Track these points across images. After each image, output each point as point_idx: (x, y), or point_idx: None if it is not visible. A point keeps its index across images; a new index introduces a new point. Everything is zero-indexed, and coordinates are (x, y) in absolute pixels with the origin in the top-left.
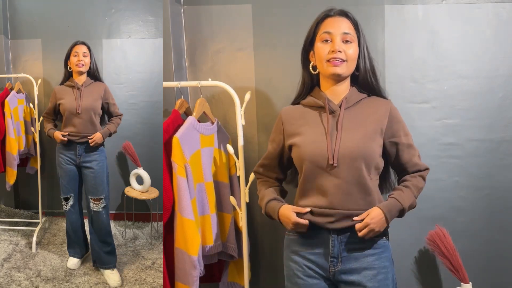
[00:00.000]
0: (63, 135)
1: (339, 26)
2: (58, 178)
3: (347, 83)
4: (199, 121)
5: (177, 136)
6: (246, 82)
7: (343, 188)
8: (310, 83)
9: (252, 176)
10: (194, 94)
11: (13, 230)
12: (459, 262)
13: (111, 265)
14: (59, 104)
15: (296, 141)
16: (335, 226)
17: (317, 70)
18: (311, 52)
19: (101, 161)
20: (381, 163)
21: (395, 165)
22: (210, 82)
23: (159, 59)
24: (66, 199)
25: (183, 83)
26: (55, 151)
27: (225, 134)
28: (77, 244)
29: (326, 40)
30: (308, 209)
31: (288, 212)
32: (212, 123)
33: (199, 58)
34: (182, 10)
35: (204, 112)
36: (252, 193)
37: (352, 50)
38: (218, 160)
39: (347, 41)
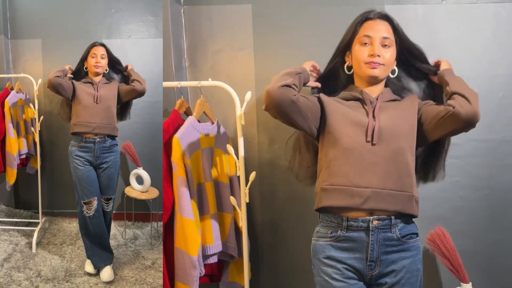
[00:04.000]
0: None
1: (379, 30)
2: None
3: (381, 85)
4: (199, 121)
5: (177, 136)
6: (246, 82)
7: (381, 166)
8: (344, 83)
9: (252, 176)
10: (194, 94)
11: (13, 230)
12: (459, 262)
13: (110, 261)
14: (74, 93)
15: (335, 117)
16: (369, 206)
17: (351, 71)
18: (347, 53)
19: (116, 161)
20: (414, 148)
21: (434, 118)
22: (210, 82)
23: (159, 59)
24: (87, 203)
25: (183, 83)
26: (68, 154)
27: (225, 134)
28: (105, 249)
29: (365, 43)
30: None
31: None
32: (212, 123)
33: (199, 58)
34: (182, 10)
35: (204, 112)
36: (252, 193)
37: (389, 54)
38: (218, 160)
39: (385, 45)
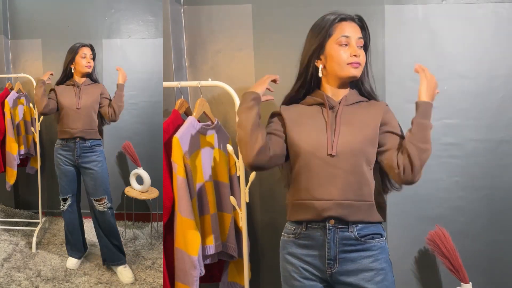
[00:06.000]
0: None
1: (355, 31)
2: (57, 178)
3: (347, 87)
4: (199, 121)
5: (177, 136)
6: (246, 82)
7: (341, 178)
8: (309, 85)
9: (252, 176)
10: (194, 94)
11: (13, 230)
12: (459, 262)
13: (122, 260)
14: (57, 100)
15: (295, 131)
16: (329, 213)
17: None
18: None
19: (100, 162)
20: (375, 156)
21: (383, 154)
22: (210, 82)
23: (159, 59)
24: (65, 200)
25: (183, 83)
26: (54, 152)
27: (225, 134)
28: (75, 244)
29: (344, 44)
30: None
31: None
32: (212, 123)
33: (199, 58)
34: (182, 10)
35: (204, 112)
36: (252, 193)
37: (363, 55)
38: (218, 160)
39: (360, 46)
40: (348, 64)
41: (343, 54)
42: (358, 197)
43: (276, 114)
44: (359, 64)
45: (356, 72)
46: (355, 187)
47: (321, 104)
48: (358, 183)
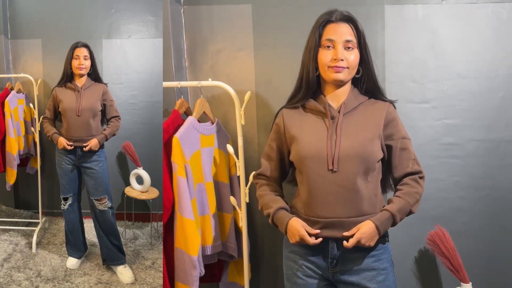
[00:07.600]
0: (68, 144)
1: (342, 33)
2: (58, 178)
3: (348, 85)
4: (199, 121)
5: (177, 136)
6: (246, 82)
7: (344, 195)
8: (312, 86)
9: (252, 176)
10: (194, 94)
11: (13, 230)
12: (459, 262)
13: (122, 260)
14: (59, 105)
15: (296, 144)
16: (334, 234)
17: (317, 72)
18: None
19: (101, 161)
20: (379, 166)
21: (389, 167)
22: (210, 82)
23: (159, 59)
24: (65, 199)
25: (183, 83)
26: (55, 151)
27: (225, 134)
28: (75, 244)
29: (328, 46)
30: (318, 231)
31: (299, 227)
32: (212, 123)
33: (199, 58)
34: (182, 10)
35: (204, 112)
36: (252, 193)
37: (353, 56)
38: (218, 160)
39: (348, 48)
40: (330, 67)
41: (325, 57)
42: (361, 213)
43: (277, 122)
44: (343, 67)
45: (339, 76)
46: (358, 202)
47: (322, 112)
48: (360, 198)
